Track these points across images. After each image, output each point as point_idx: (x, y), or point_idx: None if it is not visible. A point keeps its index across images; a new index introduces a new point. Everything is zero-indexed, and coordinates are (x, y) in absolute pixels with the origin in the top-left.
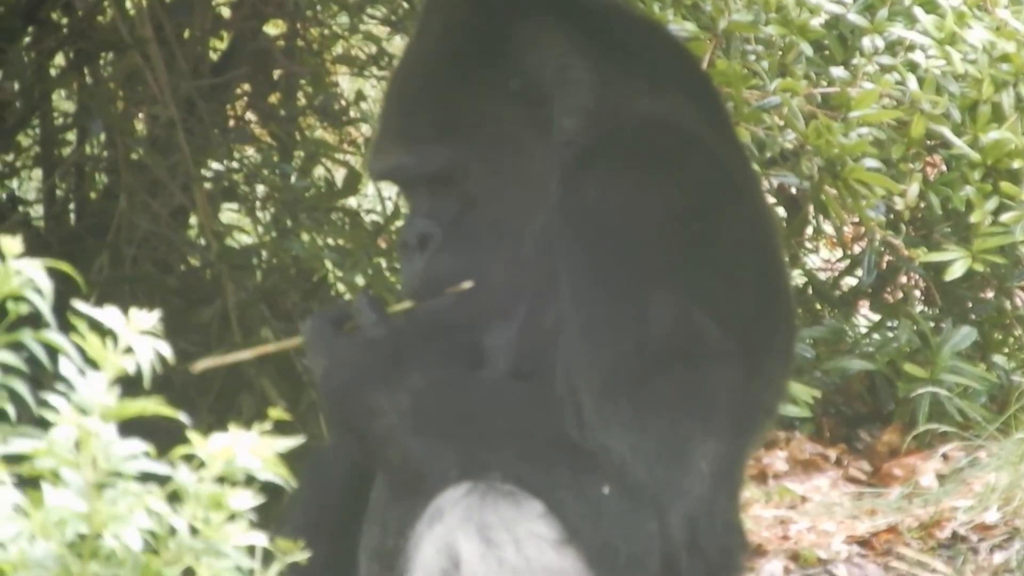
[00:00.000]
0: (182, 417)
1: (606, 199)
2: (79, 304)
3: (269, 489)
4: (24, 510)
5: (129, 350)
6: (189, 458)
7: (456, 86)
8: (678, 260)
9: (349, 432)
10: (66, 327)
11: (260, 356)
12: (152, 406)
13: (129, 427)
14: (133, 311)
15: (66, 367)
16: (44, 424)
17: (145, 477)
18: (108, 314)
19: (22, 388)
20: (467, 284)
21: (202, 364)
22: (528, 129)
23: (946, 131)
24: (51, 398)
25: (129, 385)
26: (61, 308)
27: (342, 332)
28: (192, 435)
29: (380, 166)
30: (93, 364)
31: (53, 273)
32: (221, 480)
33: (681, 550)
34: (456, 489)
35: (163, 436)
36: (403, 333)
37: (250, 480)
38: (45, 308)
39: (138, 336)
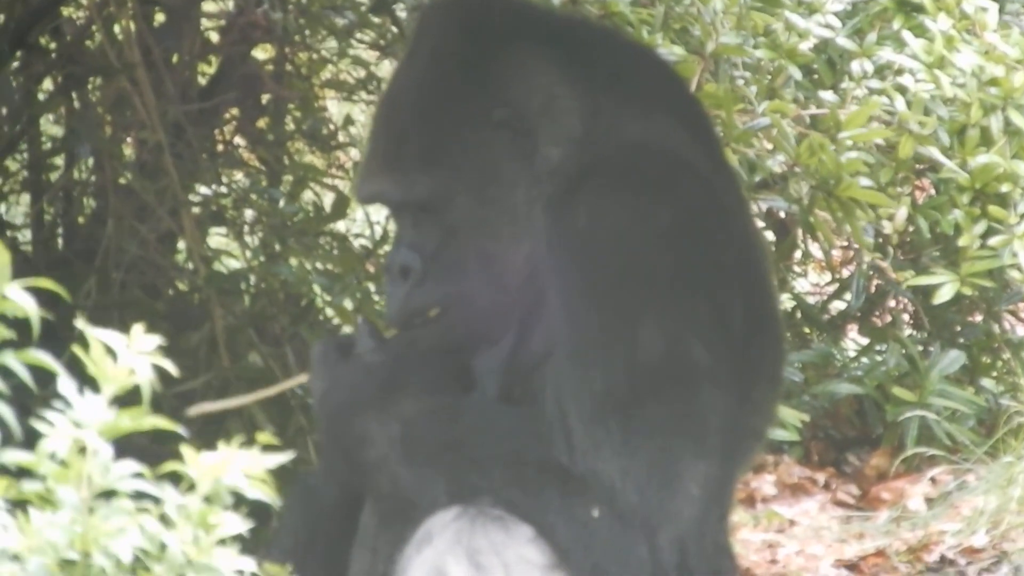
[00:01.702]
0: (180, 430)
1: (596, 223)
2: (80, 323)
3: (258, 509)
4: (17, 527)
5: (131, 369)
6: (178, 477)
7: (442, 115)
8: (668, 284)
9: (342, 456)
10: (56, 350)
11: (249, 378)
12: (150, 421)
13: (119, 447)
14: (135, 330)
15: (64, 385)
16: (32, 448)
17: (138, 496)
18: (108, 335)
19: (6, 411)
20: (434, 312)
21: (199, 409)
22: (513, 159)
23: (934, 151)
24: (48, 415)
25: (121, 406)
26: (50, 332)
27: (345, 359)
28: (185, 449)
29: (366, 191)
30: (90, 384)
31: (42, 298)
32: (210, 500)
33: (671, 573)
34: (445, 513)
35: (151, 458)
36: (399, 359)
37: (239, 501)
38: (36, 328)
39: (138, 355)
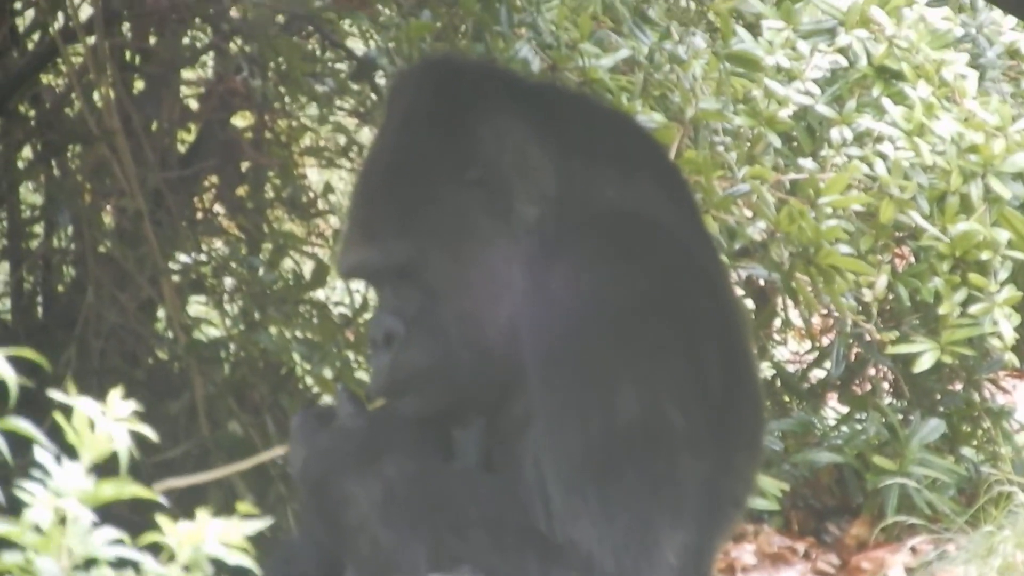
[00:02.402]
0: (160, 499)
1: (572, 290)
2: (54, 393)
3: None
4: None
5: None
6: (158, 548)
7: (414, 177)
8: (646, 350)
9: (323, 521)
10: (35, 418)
11: (228, 446)
12: (131, 488)
13: (98, 516)
14: (111, 396)
15: (41, 454)
16: (13, 515)
17: (119, 564)
18: (84, 402)
19: None
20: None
21: (169, 483)
22: (488, 218)
23: (915, 216)
24: (27, 484)
25: (100, 476)
26: (28, 400)
27: (324, 427)
28: (162, 520)
29: (346, 263)
30: (67, 452)
31: (21, 367)
32: (189, 568)
33: None
34: None
35: (130, 527)
36: (379, 424)
37: (219, 568)
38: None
39: (115, 423)
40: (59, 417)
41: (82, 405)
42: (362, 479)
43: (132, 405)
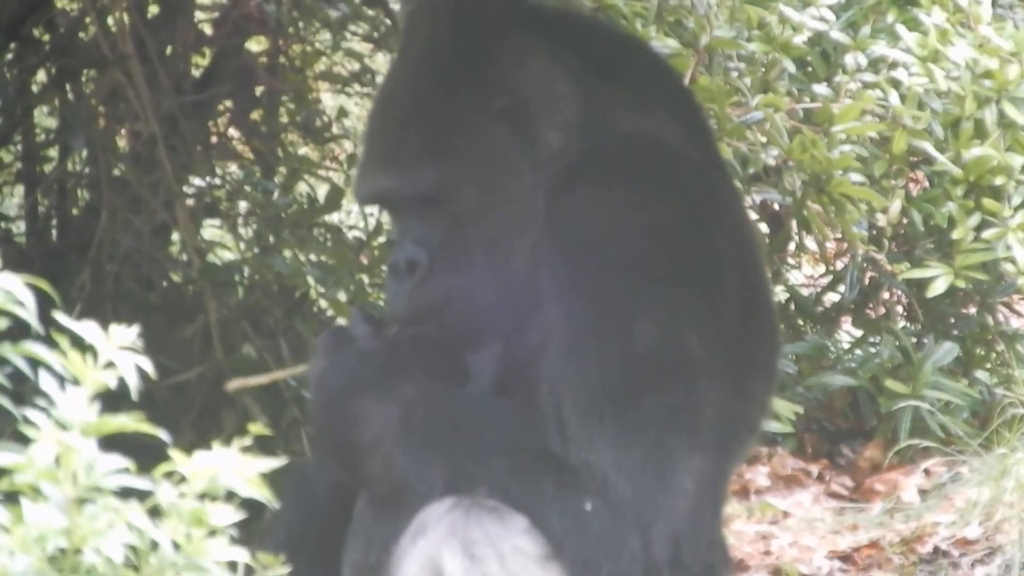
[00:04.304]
0: (162, 435)
1: (592, 216)
2: (60, 318)
3: (250, 505)
4: (4, 525)
5: (110, 365)
6: (171, 475)
7: (440, 107)
8: (664, 277)
9: (335, 440)
10: (47, 344)
11: (244, 369)
12: (133, 423)
13: (111, 442)
14: (113, 326)
15: (46, 382)
16: (25, 440)
17: (126, 493)
18: (88, 329)
19: (6, 402)
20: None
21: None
22: (514, 146)
23: (928, 146)
24: (31, 413)
25: (113, 400)
26: (42, 325)
27: (345, 345)
28: (174, 453)
29: (367, 190)
30: (75, 379)
31: (33, 291)
32: (203, 496)
33: (664, 567)
34: (440, 504)
35: (145, 452)
36: (396, 346)
37: (231, 496)
38: (32, 319)
39: (118, 351)
40: (58, 351)
41: (85, 332)
42: (380, 398)
43: (135, 331)
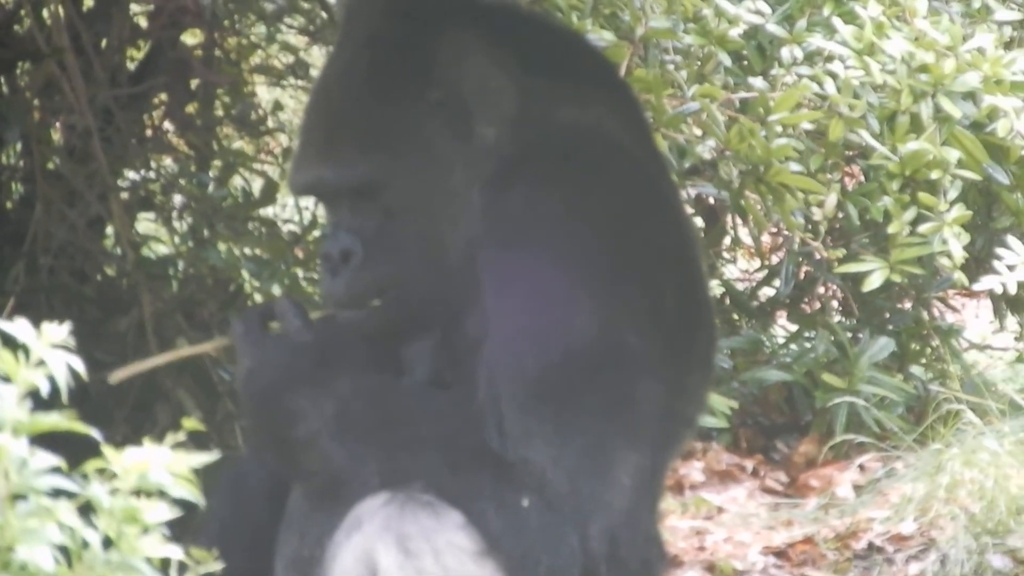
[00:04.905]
0: (94, 433)
1: (529, 210)
2: None
3: (185, 501)
4: None
5: (41, 363)
6: (102, 472)
7: (376, 99)
8: (602, 271)
9: (269, 435)
10: None
11: (177, 362)
12: (64, 421)
13: (43, 440)
14: (45, 324)
15: None
16: None
17: (58, 492)
18: (18, 327)
19: None
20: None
21: (119, 374)
22: (449, 140)
23: (865, 135)
24: None
25: (44, 397)
26: None
27: (269, 333)
28: (106, 449)
29: (301, 180)
30: (6, 377)
31: None
32: (136, 493)
33: (601, 563)
34: (375, 499)
35: (77, 448)
36: (328, 339)
37: (165, 494)
38: None
39: (50, 349)
40: None
41: (15, 330)
42: (314, 393)
43: (66, 329)
